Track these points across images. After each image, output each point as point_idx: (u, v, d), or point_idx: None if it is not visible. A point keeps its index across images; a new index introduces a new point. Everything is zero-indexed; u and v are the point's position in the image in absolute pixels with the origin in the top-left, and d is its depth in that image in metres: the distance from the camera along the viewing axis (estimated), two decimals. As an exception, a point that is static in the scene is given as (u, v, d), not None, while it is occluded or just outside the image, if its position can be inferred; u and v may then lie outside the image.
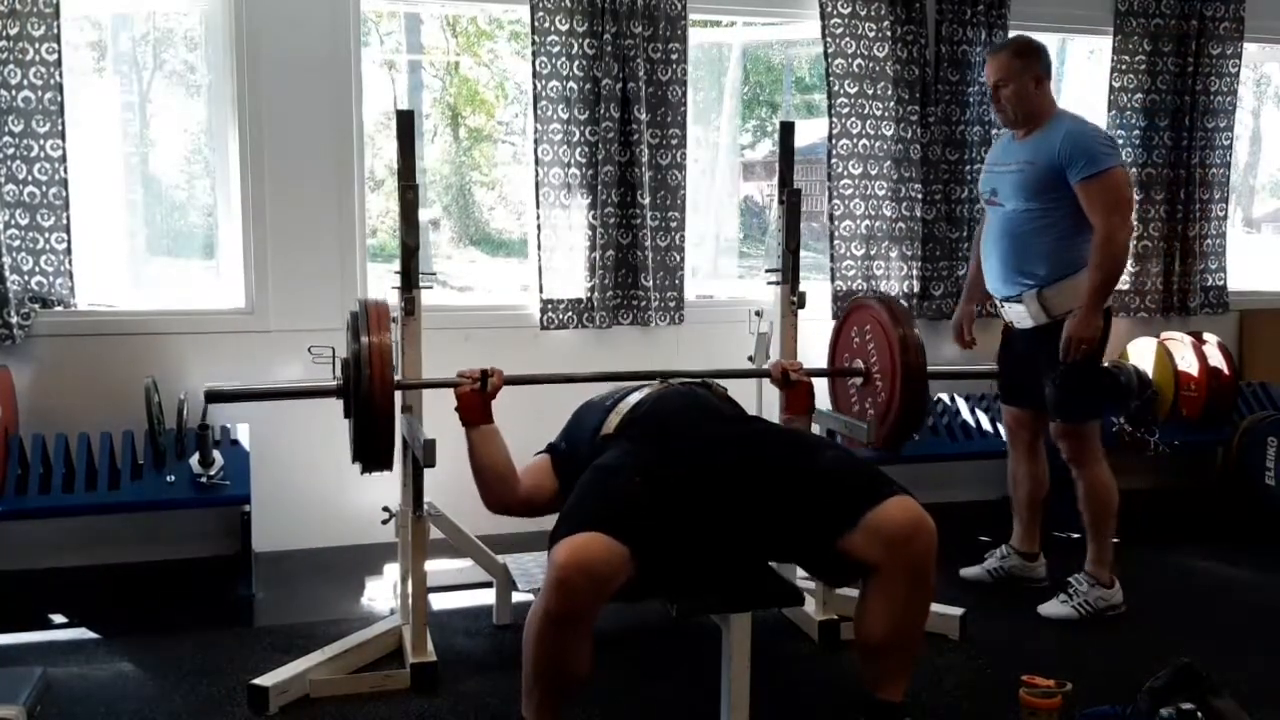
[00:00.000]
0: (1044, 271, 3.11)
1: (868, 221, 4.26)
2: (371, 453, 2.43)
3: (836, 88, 4.14)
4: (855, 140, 4.19)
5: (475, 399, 2.49)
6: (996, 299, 3.32)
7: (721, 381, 2.78)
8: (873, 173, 4.20)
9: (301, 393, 2.64)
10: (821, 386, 2.97)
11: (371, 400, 2.35)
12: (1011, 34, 4.30)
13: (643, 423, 2.43)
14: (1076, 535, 4.03)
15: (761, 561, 2.34)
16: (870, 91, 4.17)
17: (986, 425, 4.14)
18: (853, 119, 4.17)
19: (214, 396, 2.56)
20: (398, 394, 2.47)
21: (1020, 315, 3.19)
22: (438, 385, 2.58)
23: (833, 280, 4.25)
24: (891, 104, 4.18)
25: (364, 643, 2.79)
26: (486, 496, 2.52)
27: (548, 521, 2.17)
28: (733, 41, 4.58)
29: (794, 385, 2.78)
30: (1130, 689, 2.43)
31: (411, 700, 2.60)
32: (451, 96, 4.91)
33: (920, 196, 4.27)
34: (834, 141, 4.17)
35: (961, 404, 4.19)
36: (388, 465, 2.47)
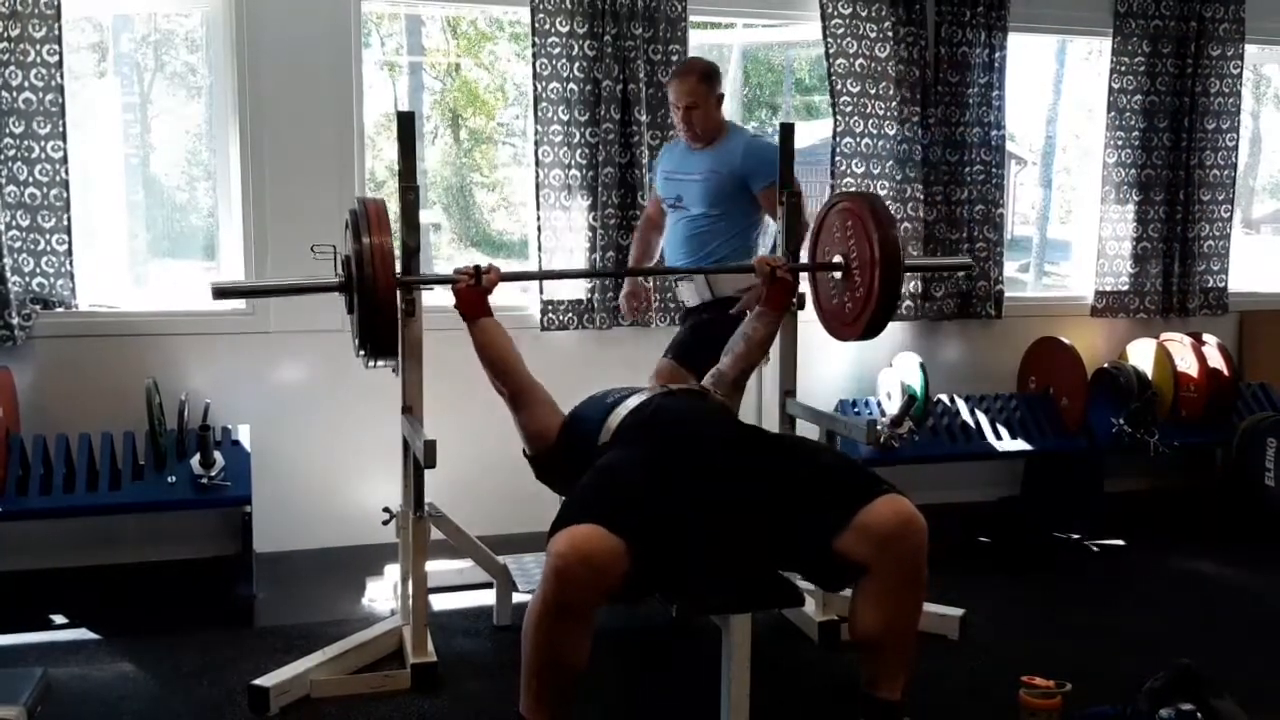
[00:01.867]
0: (719, 260, 3.43)
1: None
2: (376, 342, 2.54)
3: (839, 86, 4.14)
4: (859, 139, 4.19)
5: (473, 293, 2.64)
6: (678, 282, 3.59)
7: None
8: (875, 171, 4.21)
9: (306, 289, 2.70)
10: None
11: (375, 295, 2.45)
12: (1011, 36, 4.33)
13: (641, 427, 2.44)
14: (1076, 536, 4.05)
15: (760, 565, 2.34)
16: (873, 90, 4.17)
17: (986, 426, 4.14)
18: (855, 118, 4.17)
19: (220, 292, 2.66)
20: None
21: (690, 293, 3.50)
22: (436, 281, 2.77)
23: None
24: (894, 104, 4.18)
25: (364, 643, 2.79)
26: (494, 380, 2.65)
27: (549, 522, 2.17)
28: (733, 43, 4.58)
29: (778, 281, 2.85)
30: (1130, 689, 2.44)
31: (412, 701, 2.61)
32: (452, 98, 4.92)
33: (921, 197, 4.27)
34: (838, 140, 4.18)
35: (961, 405, 4.20)
36: (392, 354, 2.61)
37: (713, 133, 3.39)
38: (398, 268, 2.57)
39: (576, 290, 3.94)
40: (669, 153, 3.59)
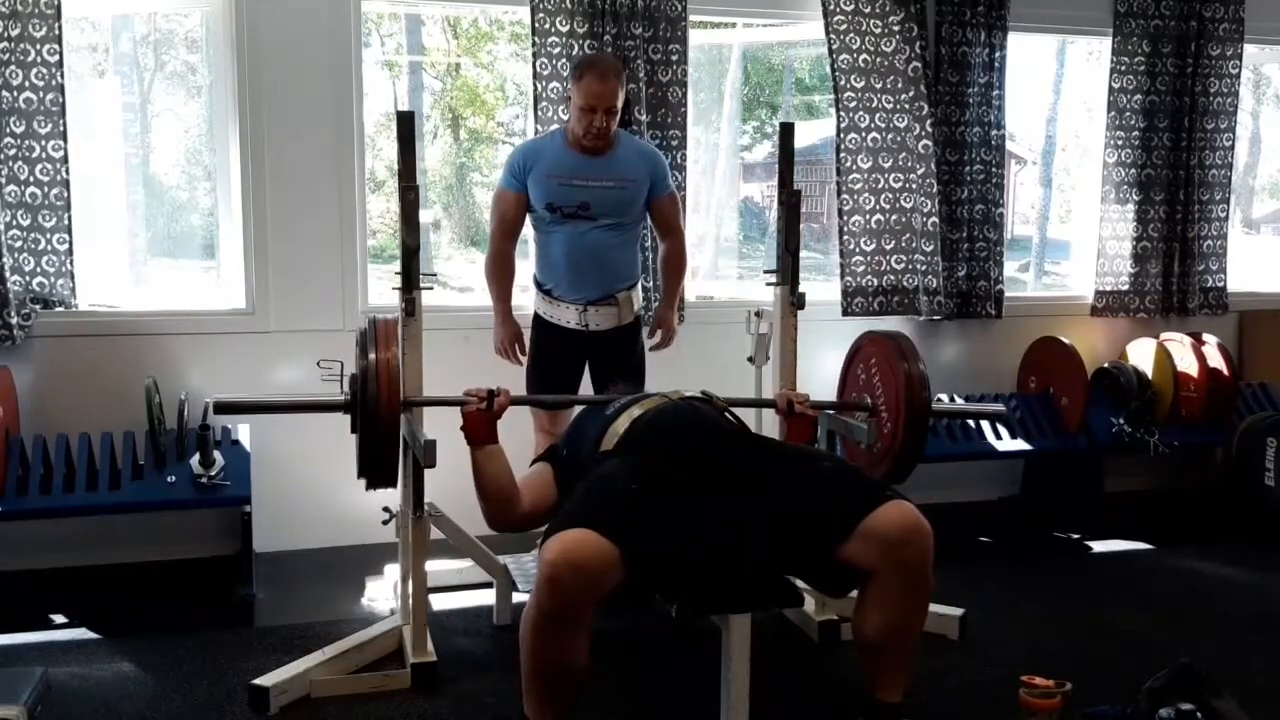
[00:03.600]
0: (629, 279, 3.42)
1: (878, 216, 4.26)
2: (377, 469, 2.45)
3: (843, 82, 4.14)
4: (864, 134, 4.18)
5: (481, 418, 2.47)
6: (574, 304, 3.34)
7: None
8: (885, 165, 4.20)
9: (310, 407, 2.64)
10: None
11: (378, 416, 2.37)
12: (1011, 36, 4.32)
13: (644, 435, 2.43)
14: (1076, 536, 4.05)
15: (762, 573, 2.34)
16: (878, 85, 4.17)
17: (986, 426, 4.14)
18: (860, 113, 4.17)
19: (223, 408, 2.58)
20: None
21: (608, 317, 3.37)
22: (445, 403, 2.56)
23: (842, 276, 4.24)
24: (903, 98, 4.18)
25: (364, 643, 2.79)
26: (490, 516, 2.51)
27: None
28: (733, 43, 4.58)
29: (798, 417, 2.78)
30: (1130, 689, 2.44)
31: (412, 700, 2.60)
32: (452, 98, 4.92)
33: (921, 197, 4.27)
34: (842, 136, 4.17)
35: (962, 404, 4.19)
36: (392, 482, 2.49)
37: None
38: (402, 391, 2.47)
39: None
40: (547, 154, 3.29)
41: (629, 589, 2.11)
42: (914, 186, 4.24)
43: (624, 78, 3.25)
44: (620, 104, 3.20)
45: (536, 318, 3.46)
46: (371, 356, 2.38)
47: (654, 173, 3.36)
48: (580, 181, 3.26)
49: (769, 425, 3.13)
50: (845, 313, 4.18)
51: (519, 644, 2.16)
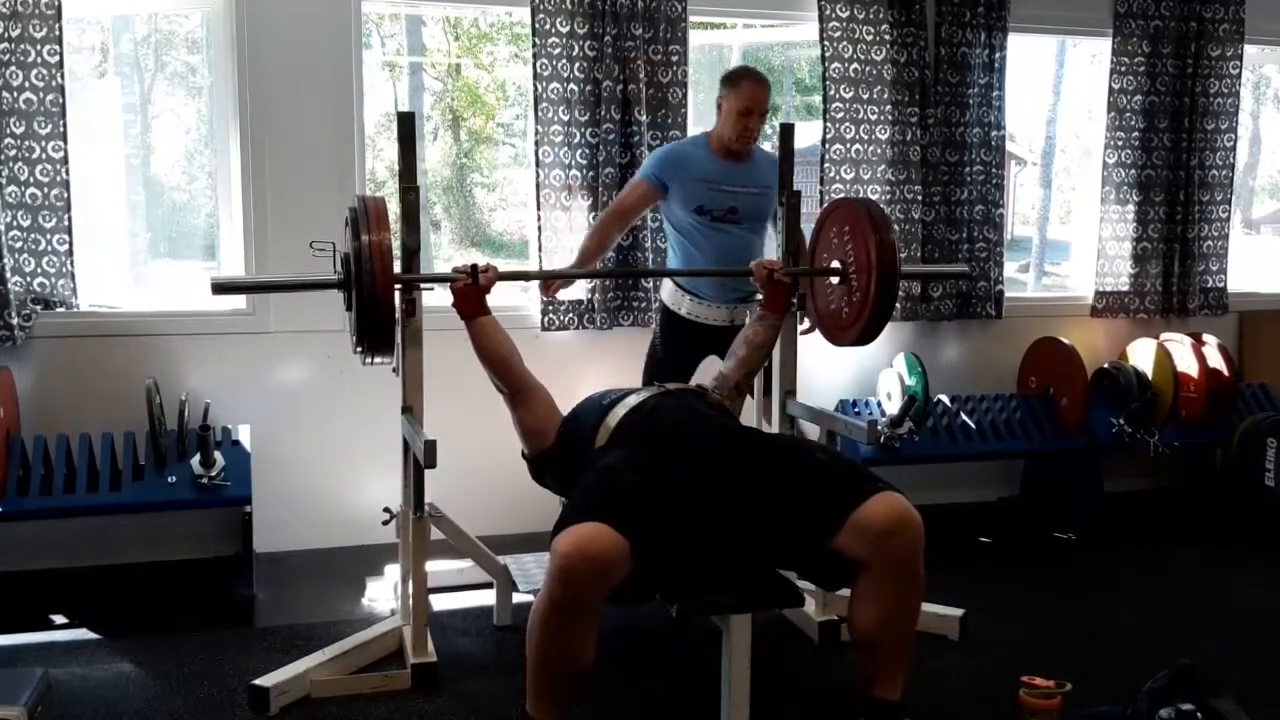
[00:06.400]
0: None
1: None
2: (374, 339, 2.54)
3: (832, 92, 4.15)
4: (849, 145, 4.19)
5: (470, 292, 2.65)
6: (725, 303, 3.43)
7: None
8: (865, 177, 4.20)
9: (305, 285, 2.72)
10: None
11: (374, 293, 2.45)
12: (1011, 37, 4.33)
13: (639, 428, 2.44)
14: (1076, 536, 4.05)
15: (759, 565, 2.35)
16: (866, 96, 4.17)
17: (987, 426, 4.14)
18: (847, 124, 4.17)
19: (220, 287, 2.69)
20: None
21: (738, 315, 3.43)
22: (434, 279, 2.75)
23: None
24: (888, 108, 4.18)
25: (365, 643, 2.79)
26: (493, 380, 2.69)
27: (549, 523, 2.17)
28: (733, 43, 4.59)
29: (776, 284, 2.87)
30: (1130, 689, 2.44)
31: (412, 701, 2.61)
32: (452, 98, 4.93)
33: (920, 199, 4.27)
34: (827, 146, 4.18)
35: (961, 404, 4.20)
36: (389, 351, 2.59)
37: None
38: (397, 266, 2.57)
39: (577, 291, 3.94)
40: (694, 160, 3.41)
41: (633, 584, 2.12)
42: (903, 195, 4.23)
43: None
44: (766, 110, 3.36)
45: (671, 315, 3.51)
46: (363, 238, 2.45)
47: (775, 179, 3.37)
48: (728, 187, 3.38)
49: (770, 420, 3.14)
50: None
51: (525, 638, 2.16)
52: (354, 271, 2.49)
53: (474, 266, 2.68)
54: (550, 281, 3.64)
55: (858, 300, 2.85)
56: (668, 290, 3.55)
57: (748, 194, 3.38)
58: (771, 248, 3.45)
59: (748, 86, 3.32)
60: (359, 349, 2.60)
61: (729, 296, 3.44)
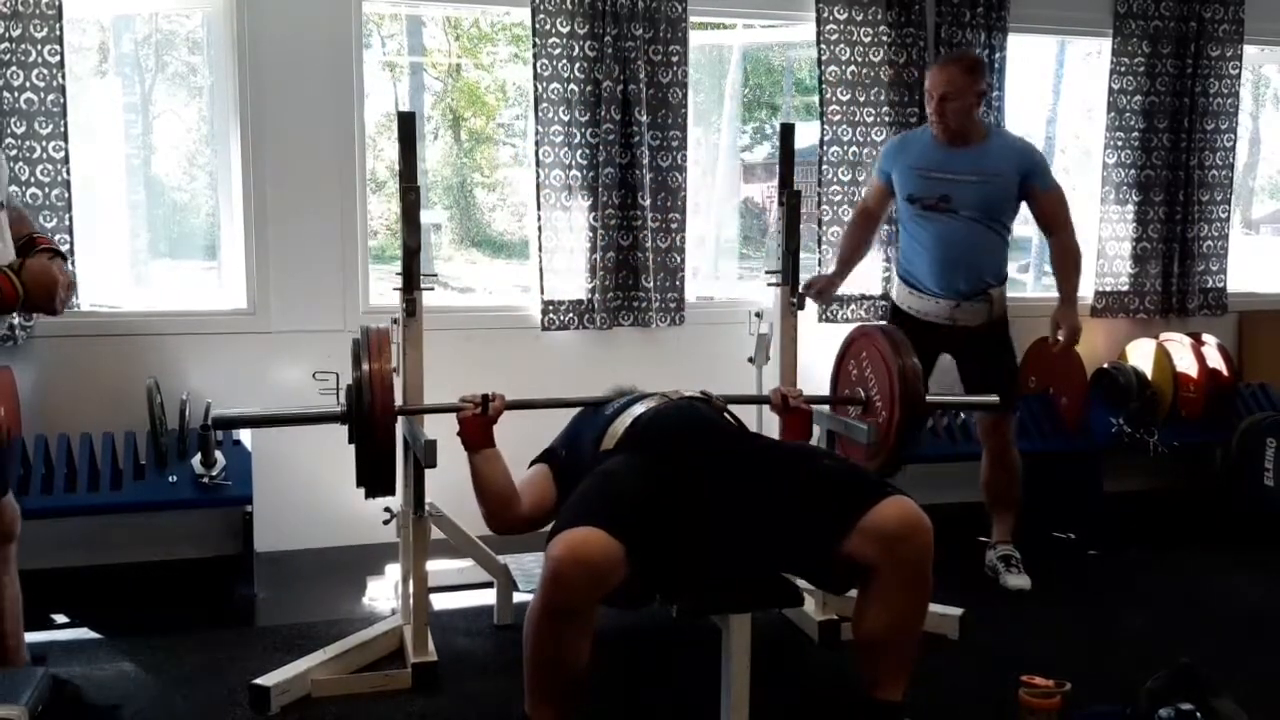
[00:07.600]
0: (997, 275, 3.42)
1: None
2: (375, 479, 2.46)
3: (829, 94, 4.14)
4: (845, 148, 4.18)
5: (477, 423, 2.50)
6: (944, 298, 3.39)
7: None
8: (862, 179, 4.20)
9: (308, 419, 2.63)
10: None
11: (374, 426, 2.37)
12: (1010, 37, 4.33)
13: (644, 435, 2.44)
14: (1075, 536, 4.05)
15: (763, 571, 2.34)
16: (862, 99, 4.16)
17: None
18: (844, 126, 4.17)
19: (221, 423, 2.61)
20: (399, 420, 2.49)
21: (975, 314, 3.39)
22: (439, 410, 2.59)
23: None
24: (885, 109, 4.18)
25: (365, 643, 2.79)
26: (490, 518, 2.53)
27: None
28: (733, 44, 4.58)
29: (793, 411, 2.80)
30: (1130, 689, 2.44)
31: (412, 700, 2.61)
32: (453, 99, 4.93)
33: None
34: (824, 148, 4.17)
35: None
36: (390, 490, 2.49)
37: (969, 130, 3.29)
38: (398, 399, 2.49)
39: (577, 290, 3.95)
40: (914, 147, 3.40)
41: (630, 587, 2.12)
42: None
43: (970, 68, 3.28)
44: (957, 92, 3.22)
45: (895, 309, 3.52)
46: (365, 367, 2.39)
47: (1025, 168, 3.31)
48: (941, 174, 3.30)
49: (769, 425, 3.13)
50: (821, 319, 4.11)
51: (522, 641, 2.16)
52: (354, 403, 2.41)
53: (485, 397, 2.52)
54: (818, 285, 3.50)
55: (882, 427, 2.78)
56: (895, 284, 3.54)
57: (966, 182, 3.27)
58: (999, 253, 3.37)
59: (931, 71, 3.32)
60: (360, 485, 2.50)
61: (949, 292, 3.36)
